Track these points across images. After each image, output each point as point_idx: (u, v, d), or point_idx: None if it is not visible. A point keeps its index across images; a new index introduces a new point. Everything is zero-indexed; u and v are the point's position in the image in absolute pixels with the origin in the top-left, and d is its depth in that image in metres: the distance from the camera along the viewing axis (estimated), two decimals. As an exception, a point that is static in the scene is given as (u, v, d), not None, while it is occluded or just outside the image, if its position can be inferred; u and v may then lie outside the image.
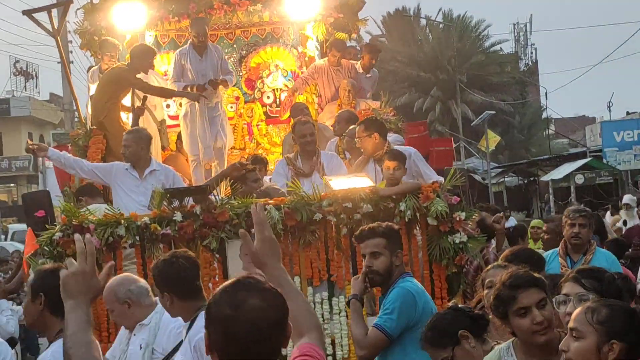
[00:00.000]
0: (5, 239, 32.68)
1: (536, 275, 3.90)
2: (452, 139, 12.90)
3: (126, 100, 9.25)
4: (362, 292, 5.19)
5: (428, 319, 4.99)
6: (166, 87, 9.52)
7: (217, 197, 6.94)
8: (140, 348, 5.10)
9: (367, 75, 10.70)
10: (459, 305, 4.52)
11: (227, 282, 2.65)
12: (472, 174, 32.66)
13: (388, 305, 5.04)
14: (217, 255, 6.78)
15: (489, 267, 5.13)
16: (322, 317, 6.77)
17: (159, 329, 5.16)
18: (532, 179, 38.48)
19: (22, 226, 23.88)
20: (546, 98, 50.88)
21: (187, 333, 4.60)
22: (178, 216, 6.76)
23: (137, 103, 9.10)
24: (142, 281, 5.39)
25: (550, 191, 32.57)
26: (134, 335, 5.26)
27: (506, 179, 39.56)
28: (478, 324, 4.32)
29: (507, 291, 3.80)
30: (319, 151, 8.36)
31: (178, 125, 9.99)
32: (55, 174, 10.46)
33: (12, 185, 49.87)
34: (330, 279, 6.98)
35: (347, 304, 5.18)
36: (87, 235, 3.04)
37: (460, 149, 38.56)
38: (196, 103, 9.25)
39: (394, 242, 5.19)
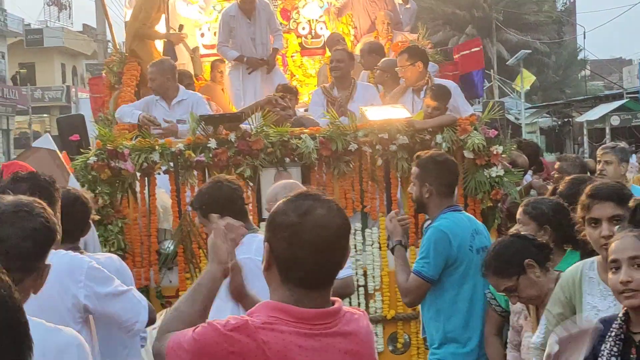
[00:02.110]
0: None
1: (620, 191, 3.82)
2: (479, 38, 12.64)
3: (161, 27, 9.18)
4: (404, 235, 5.08)
5: (466, 256, 4.95)
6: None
7: (251, 125, 6.88)
8: None
9: (406, 6, 10.52)
10: (523, 234, 4.42)
11: (291, 194, 2.60)
12: (505, 114, 32.36)
13: (422, 248, 4.97)
14: (251, 184, 6.74)
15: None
16: (355, 248, 6.74)
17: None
18: (566, 120, 38.11)
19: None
20: (584, 38, 50.18)
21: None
22: (213, 143, 6.72)
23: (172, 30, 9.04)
24: None
25: (585, 132, 32.26)
26: None
27: (540, 120, 39.19)
28: (543, 252, 4.26)
29: (585, 199, 3.79)
30: (355, 81, 8.29)
31: (212, 55, 9.92)
32: (90, 102, 10.44)
33: (45, 115, 50.17)
34: (364, 210, 6.94)
35: (392, 250, 5.11)
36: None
37: (494, 88, 38.22)
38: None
39: (425, 172, 5.05)
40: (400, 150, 6.83)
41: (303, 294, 2.50)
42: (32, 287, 2.79)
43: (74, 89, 47.86)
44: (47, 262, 2.78)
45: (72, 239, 4.24)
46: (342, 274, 4.28)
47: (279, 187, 5.13)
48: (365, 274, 6.85)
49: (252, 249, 4.39)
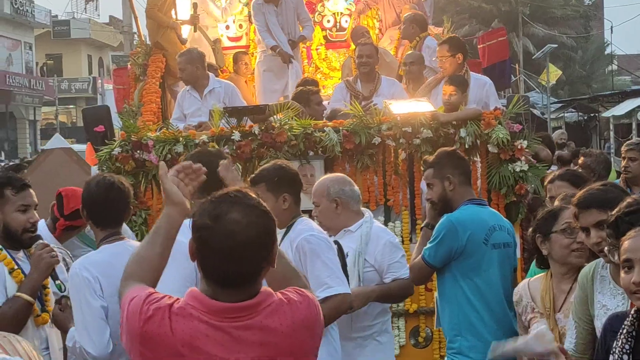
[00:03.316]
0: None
1: (603, 196, 3.81)
2: (504, 28, 12.52)
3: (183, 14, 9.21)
4: (435, 221, 5.10)
5: (478, 249, 4.92)
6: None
7: (276, 118, 6.88)
8: (347, 255, 4.82)
9: (424, -1, 10.48)
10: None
11: (216, 193, 2.63)
12: (531, 109, 32.19)
13: (434, 234, 4.99)
14: (275, 176, 6.74)
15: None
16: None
17: (370, 239, 5.02)
18: (592, 115, 37.81)
19: (82, 147, 24.21)
20: (611, 32, 49.74)
21: (282, 238, 4.48)
22: (236, 135, 6.73)
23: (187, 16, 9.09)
24: (357, 187, 5.22)
25: (611, 127, 31.99)
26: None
27: (566, 115, 38.91)
28: None
29: (574, 210, 3.81)
30: (379, 75, 8.27)
31: (236, 47, 9.94)
32: (114, 93, 10.49)
33: (71, 106, 50.50)
34: (387, 204, 6.93)
35: (421, 229, 5.20)
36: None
37: (519, 82, 38.01)
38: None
39: (441, 167, 5.06)
40: (424, 143, 6.82)
41: (218, 290, 2.56)
42: None
43: (100, 81, 48.10)
44: None
45: (112, 224, 4.32)
46: (325, 292, 4.32)
47: (328, 180, 5.15)
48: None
49: (314, 227, 4.49)
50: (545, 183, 5.53)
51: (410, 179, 6.94)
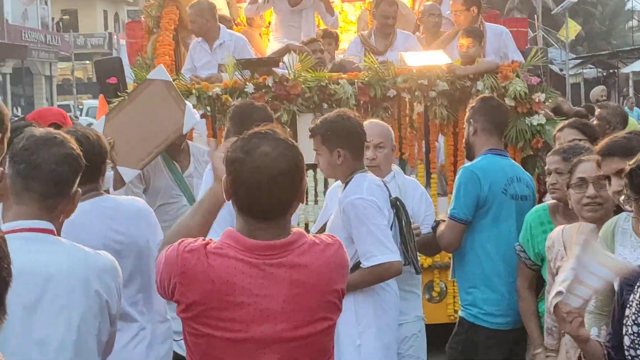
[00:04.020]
0: (80, 115, 33.28)
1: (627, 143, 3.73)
2: (527, 19, 12.27)
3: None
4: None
5: (497, 198, 4.85)
6: None
7: (289, 69, 6.80)
8: None
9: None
10: None
11: (248, 131, 2.74)
12: (549, 65, 31.90)
13: (454, 191, 4.90)
14: (288, 129, 6.68)
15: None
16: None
17: (407, 190, 4.89)
18: (611, 71, 37.46)
19: (97, 102, 24.26)
20: (632, -13, 49.06)
21: (342, 193, 4.42)
22: (250, 88, 6.66)
23: None
24: None
25: (631, 84, 31.74)
26: None
27: (584, 71, 38.57)
28: None
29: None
30: (396, 30, 8.16)
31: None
32: (127, 47, 10.38)
33: (87, 62, 50.44)
34: (402, 157, 6.86)
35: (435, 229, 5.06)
36: None
37: (538, 37, 37.62)
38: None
39: (473, 112, 5.00)
40: (439, 96, 6.73)
41: (254, 224, 2.68)
42: (65, 212, 2.97)
43: (115, 36, 47.98)
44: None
45: (87, 180, 4.20)
46: (369, 261, 4.24)
47: (387, 125, 5.06)
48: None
49: (364, 189, 4.31)
50: (555, 132, 5.45)
51: (426, 132, 6.87)
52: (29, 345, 2.76)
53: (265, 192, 2.63)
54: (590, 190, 4.06)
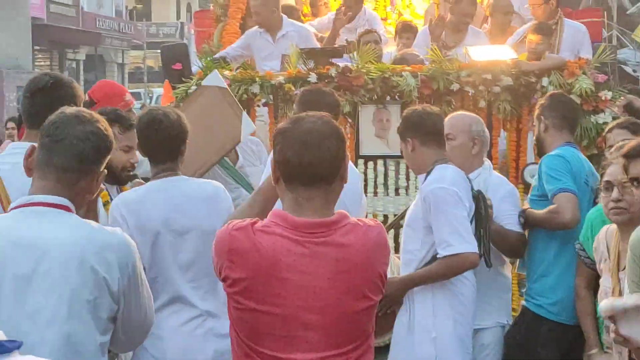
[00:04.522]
0: (150, 102, 33.71)
1: None
2: (600, 9, 11.99)
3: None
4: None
5: (580, 187, 4.74)
6: None
7: (353, 60, 6.80)
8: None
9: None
10: None
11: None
12: (622, 65, 31.31)
13: (548, 174, 4.77)
14: (350, 120, 6.68)
15: None
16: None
17: (489, 187, 4.76)
18: (687, 74, 36.63)
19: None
20: None
21: (422, 184, 4.43)
22: (313, 77, 6.66)
23: None
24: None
25: None
26: None
27: (659, 73, 37.78)
28: None
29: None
30: (468, 26, 8.09)
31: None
32: (195, 36, 10.50)
33: (158, 51, 50.82)
34: (463, 151, 6.80)
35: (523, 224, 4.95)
36: None
37: (612, 38, 36.95)
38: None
39: (543, 108, 5.00)
40: (503, 92, 6.67)
41: (301, 195, 2.79)
42: (87, 191, 2.96)
43: (187, 26, 48.45)
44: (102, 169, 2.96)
45: (161, 160, 4.21)
46: (445, 251, 4.20)
47: (468, 117, 5.00)
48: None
49: (447, 179, 4.32)
50: (604, 132, 5.36)
51: (489, 127, 6.77)
52: (20, 317, 2.77)
53: (313, 150, 2.75)
54: (615, 194, 4.00)
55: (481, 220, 4.41)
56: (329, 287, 2.76)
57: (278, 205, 3.04)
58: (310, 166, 2.76)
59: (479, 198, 4.41)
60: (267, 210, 3.05)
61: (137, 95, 38.58)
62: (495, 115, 6.74)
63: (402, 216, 5.11)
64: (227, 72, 6.76)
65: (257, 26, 7.77)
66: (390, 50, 8.73)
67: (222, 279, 2.83)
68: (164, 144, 4.18)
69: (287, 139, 2.78)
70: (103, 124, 2.98)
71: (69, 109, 2.98)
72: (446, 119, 4.78)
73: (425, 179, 4.38)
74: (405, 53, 7.54)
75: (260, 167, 5.87)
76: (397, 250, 6.08)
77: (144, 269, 3.99)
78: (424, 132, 4.43)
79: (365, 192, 6.51)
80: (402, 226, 4.73)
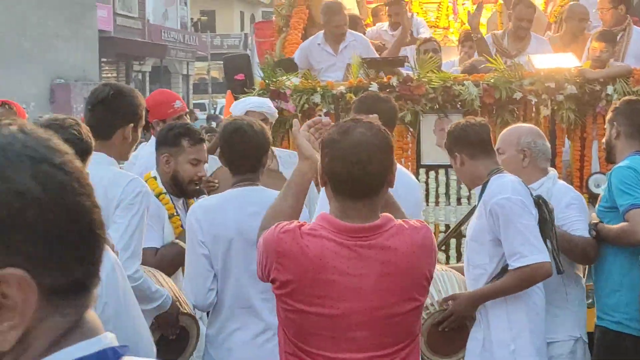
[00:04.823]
0: (214, 113, 34.04)
1: None
2: None
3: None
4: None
5: None
6: None
7: (414, 69, 6.78)
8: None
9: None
10: None
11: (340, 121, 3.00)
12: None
13: (618, 186, 4.61)
14: (411, 129, 6.67)
15: None
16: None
17: (552, 196, 4.59)
18: None
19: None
20: None
21: (479, 198, 4.39)
22: (374, 87, 6.66)
23: None
24: (548, 145, 4.85)
25: None
26: None
27: None
28: None
29: None
30: (530, 34, 8.01)
31: (377, 1, 9.83)
32: (256, 48, 10.56)
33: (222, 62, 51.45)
34: (526, 161, 6.74)
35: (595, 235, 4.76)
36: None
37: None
38: None
39: (615, 114, 4.86)
40: (567, 100, 6.58)
41: (348, 205, 2.84)
42: None
43: (250, 37, 48.84)
44: None
45: (241, 170, 4.16)
46: (518, 262, 4.14)
47: (520, 129, 4.86)
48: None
49: (508, 189, 4.24)
50: None
51: (552, 136, 6.71)
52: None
53: (362, 166, 2.78)
54: None
55: (546, 225, 4.34)
56: (374, 289, 2.83)
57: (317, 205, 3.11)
58: (359, 182, 2.81)
59: (539, 203, 4.34)
60: (300, 202, 3.19)
61: (201, 106, 39.00)
62: (559, 124, 6.66)
63: (462, 223, 5.05)
64: (294, 79, 6.80)
65: (322, 37, 7.80)
66: (453, 59, 8.71)
67: (270, 281, 2.91)
68: (247, 154, 4.15)
69: (336, 152, 2.82)
70: (78, 127, 3.05)
71: (43, 117, 3.11)
72: (500, 134, 4.77)
73: (483, 191, 4.33)
74: (475, 61, 7.50)
75: None
76: (458, 259, 6.06)
77: (216, 276, 4.05)
78: (470, 145, 4.37)
79: (427, 201, 6.48)
80: (463, 235, 4.68)
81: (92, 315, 1.10)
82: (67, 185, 1.06)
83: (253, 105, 5.69)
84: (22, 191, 1.01)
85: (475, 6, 9.32)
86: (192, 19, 49.48)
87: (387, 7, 8.97)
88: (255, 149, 4.18)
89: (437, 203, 6.66)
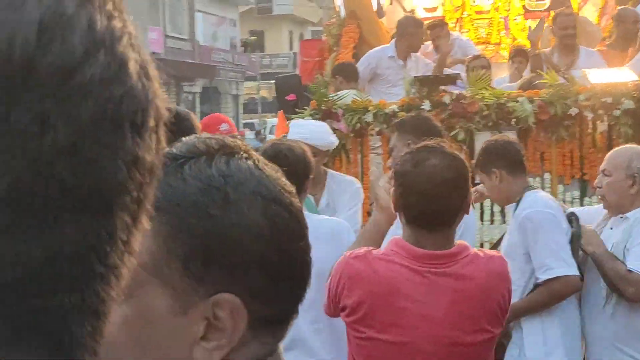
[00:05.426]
0: (264, 132, 34.19)
1: None
2: None
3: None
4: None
5: None
6: None
7: (466, 86, 6.72)
8: (612, 247, 4.14)
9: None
10: None
11: (415, 146, 2.97)
12: None
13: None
14: (464, 147, 6.59)
15: None
16: (573, 217, 6.45)
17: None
18: None
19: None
20: None
21: (513, 215, 4.34)
22: (426, 105, 6.60)
23: None
24: None
25: None
26: (611, 229, 4.24)
27: None
28: None
29: None
30: (579, 47, 7.90)
31: (431, 18, 9.78)
32: (300, 66, 10.60)
33: (272, 82, 51.61)
34: (583, 178, 6.63)
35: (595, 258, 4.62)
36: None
37: None
38: None
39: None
40: (624, 115, 6.46)
41: (421, 234, 2.80)
42: None
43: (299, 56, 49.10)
44: None
45: None
46: (545, 274, 4.06)
47: (634, 151, 4.33)
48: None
49: (540, 202, 4.23)
50: None
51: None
52: None
53: (435, 200, 2.75)
54: None
55: (575, 241, 4.27)
56: (445, 318, 2.78)
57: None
58: (434, 216, 2.79)
59: (571, 219, 4.28)
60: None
61: (250, 126, 39.21)
62: (616, 140, 6.53)
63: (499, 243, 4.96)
64: (346, 98, 6.79)
65: (394, 49, 7.86)
66: (504, 75, 8.63)
67: (341, 309, 2.87)
68: (288, 180, 4.07)
69: (410, 185, 2.79)
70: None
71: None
72: (608, 154, 4.42)
73: (517, 207, 4.26)
74: (532, 77, 7.42)
75: (359, 207, 5.63)
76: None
77: None
78: (510, 162, 4.32)
79: (482, 220, 6.40)
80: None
81: (280, 347, 1.18)
82: (290, 226, 1.14)
83: (304, 136, 5.37)
84: (253, 226, 1.10)
85: (536, 21, 9.25)
86: (241, 39, 49.86)
87: (428, 31, 8.93)
88: (296, 175, 4.08)
89: (492, 221, 6.57)
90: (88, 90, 0.55)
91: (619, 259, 4.07)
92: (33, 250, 0.55)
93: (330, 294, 2.91)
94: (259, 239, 1.10)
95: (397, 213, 2.91)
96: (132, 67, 0.58)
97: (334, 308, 2.92)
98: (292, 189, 1.19)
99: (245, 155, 1.15)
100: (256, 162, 1.16)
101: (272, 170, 1.18)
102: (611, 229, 4.24)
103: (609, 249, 4.13)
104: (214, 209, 1.08)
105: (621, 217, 4.19)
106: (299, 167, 3.92)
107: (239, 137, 5.52)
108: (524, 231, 4.18)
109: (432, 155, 2.82)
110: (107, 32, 0.56)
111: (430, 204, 2.76)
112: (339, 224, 4.14)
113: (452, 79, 6.82)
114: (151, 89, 0.61)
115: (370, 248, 2.90)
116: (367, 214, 6.74)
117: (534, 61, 7.87)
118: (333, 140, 5.53)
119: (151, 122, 0.61)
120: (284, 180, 1.18)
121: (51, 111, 0.54)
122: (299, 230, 1.16)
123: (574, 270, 4.11)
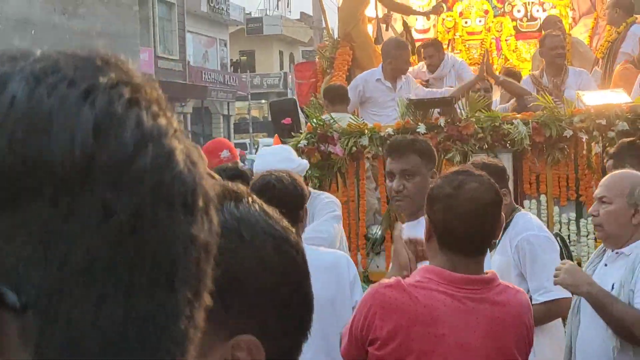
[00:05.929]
0: (255, 152, 34.20)
1: None
2: None
3: (369, 11, 9.19)
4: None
5: None
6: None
7: (462, 109, 6.74)
8: (612, 287, 3.73)
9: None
10: None
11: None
12: None
13: None
14: (460, 170, 6.61)
15: None
16: (569, 238, 6.46)
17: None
18: None
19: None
20: None
21: (502, 234, 4.16)
22: (422, 128, 6.62)
23: (380, 13, 9.03)
24: None
25: None
26: (605, 265, 3.90)
27: None
28: None
29: None
30: (567, 67, 7.94)
31: (421, 40, 9.82)
32: (296, 89, 10.60)
33: (263, 101, 51.84)
34: (579, 200, 6.65)
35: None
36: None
37: None
38: None
39: (620, 159, 4.81)
40: (619, 137, 6.47)
41: (457, 260, 2.75)
42: None
43: (290, 76, 49.14)
44: None
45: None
46: (543, 297, 4.09)
47: (635, 178, 3.95)
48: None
49: (534, 225, 4.32)
50: None
51: (604, 174, 6.60)
52: None
53: (478, 223, 2.74)
54: None
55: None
56: (480, 346, 2.75)
57: None
58: (474, 239, 2.76)
59: (557, 240, 4.43)
60: None
61: (242, 146, 39.20)
62: (610, 161, 6.56)
63: None
64: (342, 122, 6.79)
65: (380, 72, 7.88)
66: (495, 97, 8.65)
67: (369, 342, 2.76)
68: (279, 211, 3.98)
69: (450, 208, 2.74)
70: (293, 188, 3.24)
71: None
72: (604, 179, 4.11)
73: (506, 228, 4.25)
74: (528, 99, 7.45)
75: (331, 216, 5.26)
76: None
77: None
78: (503, 183, 4.23)
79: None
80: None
81: None
82: (298, 263, 1.19)
83: (275, 165, 4.77)
84: (268, 263, 1.14)
85: (527, 41, 9.28)
86: (231, 59, 49.91)
87: (422, 50, 8.96)
88: (287, 205, 3.90)
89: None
90: (142, 178, 0.61)
91: (621, 301, 3.66)
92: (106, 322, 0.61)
93: (354, 331, 2.80)
94: (274, 276, 1.15)
95: (427, 242, 2.85)
96: (179, 155, 0.65)
97: (359, 347, 2.79)
98: (293, 229, 1.24)
99: (250, 199, 1.22)
100: (260, 205, 1.22)
101: (277, 215, 1.23)
102: (606, 265, 3.88)
103: (610, 290, 3.69)
104: (231, 250, 1.12)
105: (617, 253, 3.83)
106: (289, 197, 3.68)
107: (241, 164, 5.45)
108: (519, 253, 4.24)
109: (470, 178, 2.79)
110: (154, 128, 0.64)
111: (474, 226, 2.74)
112: (336, 257, 4.05)
113: (447, 102, 6.84)
114: (197, 173, 0.66)
115: (399, 278, 2.83)
116: (364, 237, 6.77)
117: (505, 86, 7.93)
118: (301, 163, 5.22)
119: (200, 203, 0.66)
120: (285, 221, 1.23)
121: (111, 199, 0.60)
122: (304, 266, 1.20)
123: (569, 293, 4.12)
